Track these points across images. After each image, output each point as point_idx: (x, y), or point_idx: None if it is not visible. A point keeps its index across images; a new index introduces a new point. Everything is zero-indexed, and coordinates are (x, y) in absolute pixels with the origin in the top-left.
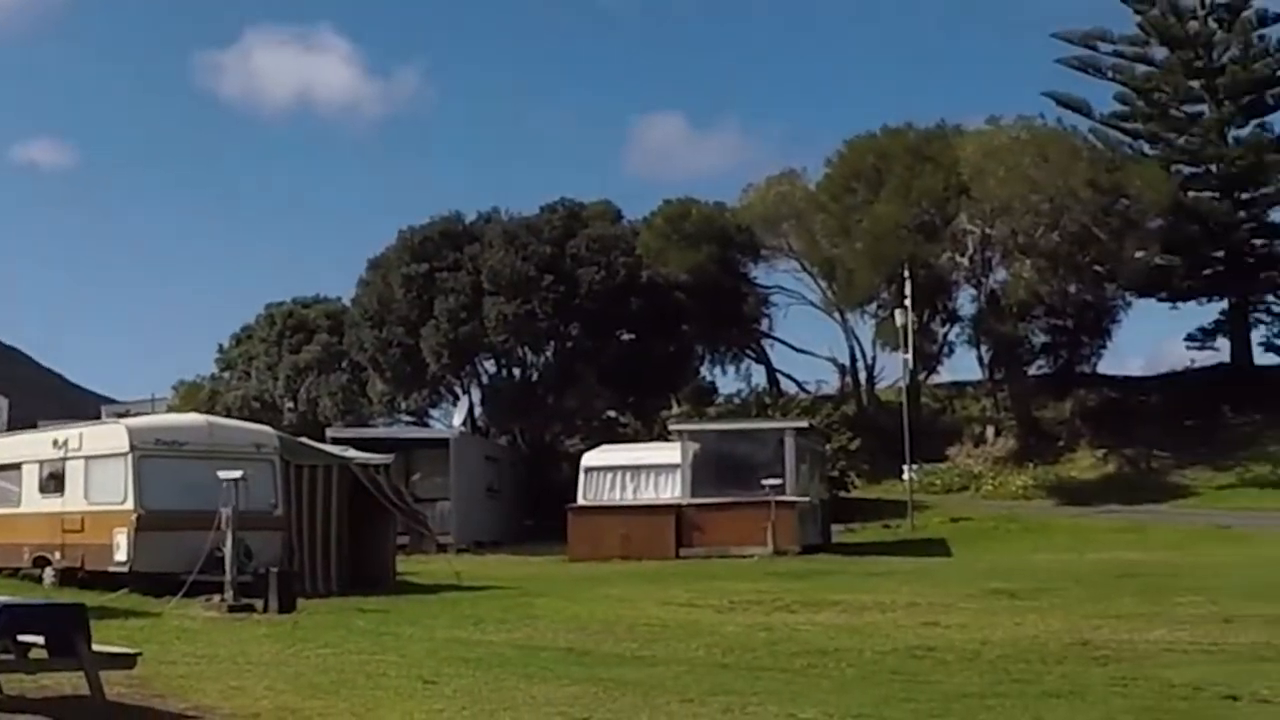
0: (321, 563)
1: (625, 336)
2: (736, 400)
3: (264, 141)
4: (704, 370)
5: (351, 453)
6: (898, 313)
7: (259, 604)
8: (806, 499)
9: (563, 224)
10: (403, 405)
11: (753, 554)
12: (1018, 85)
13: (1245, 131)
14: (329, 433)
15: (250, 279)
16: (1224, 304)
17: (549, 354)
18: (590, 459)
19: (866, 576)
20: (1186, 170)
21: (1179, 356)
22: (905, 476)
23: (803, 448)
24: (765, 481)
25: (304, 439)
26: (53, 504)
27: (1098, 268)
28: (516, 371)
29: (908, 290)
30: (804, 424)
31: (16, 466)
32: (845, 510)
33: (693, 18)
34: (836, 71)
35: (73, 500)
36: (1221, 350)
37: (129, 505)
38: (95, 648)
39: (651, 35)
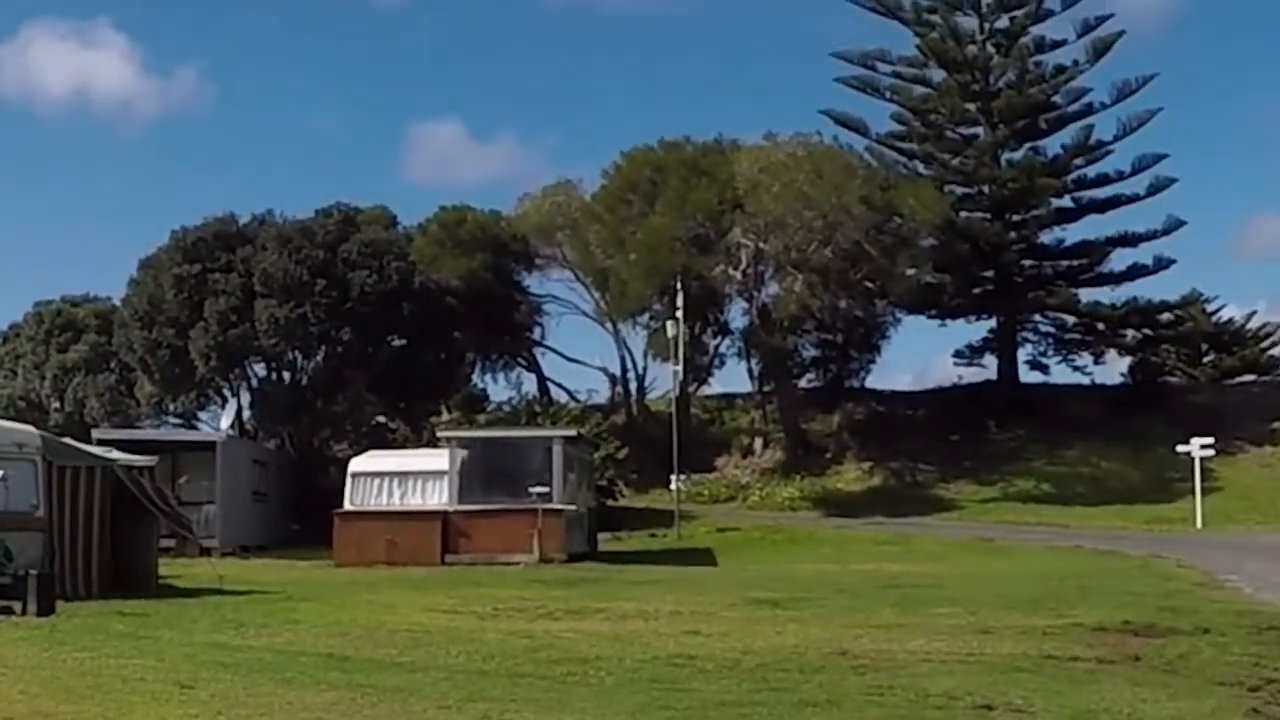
0: (83, 565)
1: (397, 342)
2: (507, 408)
3: (38, 137)
4: (476, 377)
5: (116, 454)
6: (669, 324)
7: (17, 607)
8: (573, 507)
9: (337, 228)
10: (171, 407)
11: (519, 561)
12: (796, 103)
13: (1018, 154)
14: (95, 434)
15: (18, 276)
16: (992, 322)
17: (320, 358)
18: (357, 464)
19: (631, 585)
20: (959, 191)
21: (947, 373)
22: (673, 486)
23: (570, 456)
24: (532, 489)
25: (68, 439)
26: None
27: (869, 284)
28: (287, 375)
29: (680, 302)
30: (572, 432)
31: None
32: (613, 519)
33: (472, 26)
34: (616, 84)
35: None
36: (988, 367)
37: None
38: None
39: (431, 42)
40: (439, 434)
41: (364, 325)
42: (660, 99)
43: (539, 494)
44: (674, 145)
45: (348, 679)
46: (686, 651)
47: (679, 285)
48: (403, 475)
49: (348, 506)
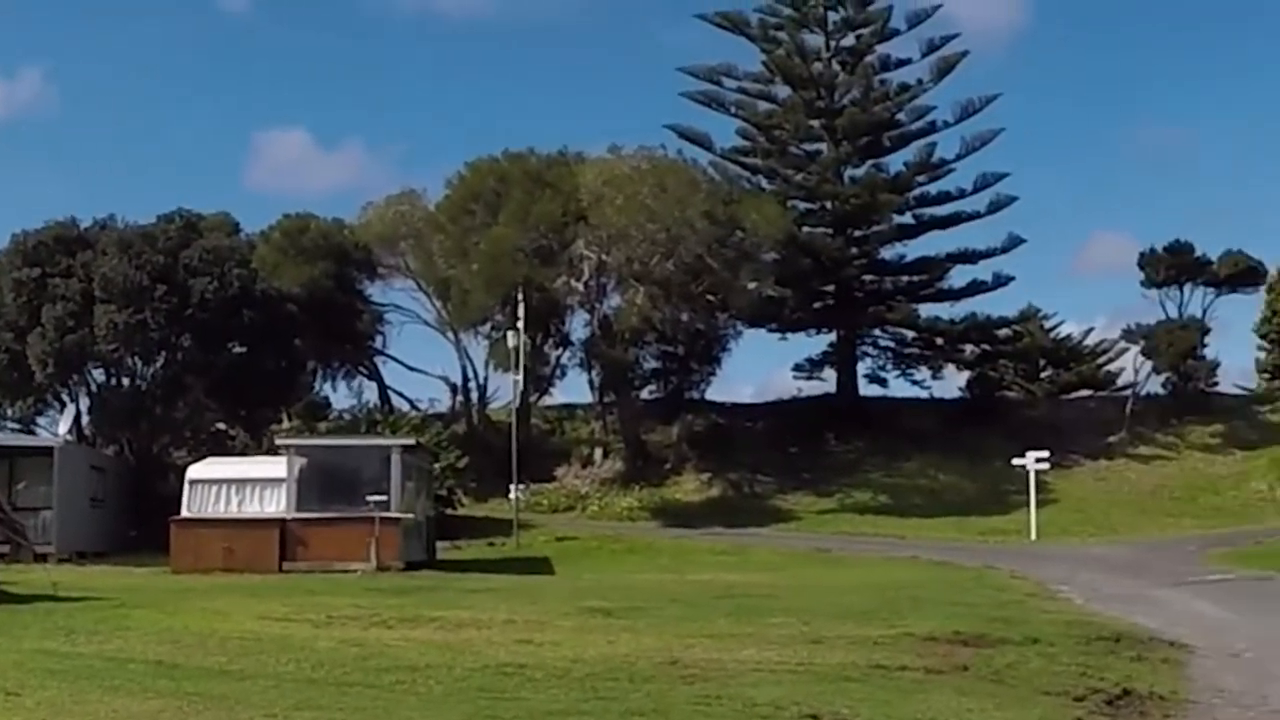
0: None
1: (237, 349)
2: (348, 416)
3: None
4: (318, 385)
5: None
6: (510, 334)
7: None
8: (411, 516)
9: (179, 234)
10: (9, 412)
11: (356, 569)
12: (642, 116)
13: (861, 171)
14: None
15: None
16: (832, 336)
17: (159, 364)
18: (195, 471)
19: (467, 593)
20: (802, 206)
21: (788, 385)
22: (512, 495)
23: (409, 465)
24: (370, 497)
25: None
26: None
27: (710, 297)
28: (126, 381)
29: (521, 312)
30: (410, 441)
31: None
32: (452, 528)
33: (320, 33)
34: (463, 94)
35: None
36: (828, 381)
37: None
38: None
39: (278, 49)
40: (277, 441)
41: (204, 332)
42: (506, 110)
43: (376, 502)
44: (518, 156)
45: (176, 687)
46: (517, 660)
47: (520, 296)
48: (241, 483)
49: (185, 513)
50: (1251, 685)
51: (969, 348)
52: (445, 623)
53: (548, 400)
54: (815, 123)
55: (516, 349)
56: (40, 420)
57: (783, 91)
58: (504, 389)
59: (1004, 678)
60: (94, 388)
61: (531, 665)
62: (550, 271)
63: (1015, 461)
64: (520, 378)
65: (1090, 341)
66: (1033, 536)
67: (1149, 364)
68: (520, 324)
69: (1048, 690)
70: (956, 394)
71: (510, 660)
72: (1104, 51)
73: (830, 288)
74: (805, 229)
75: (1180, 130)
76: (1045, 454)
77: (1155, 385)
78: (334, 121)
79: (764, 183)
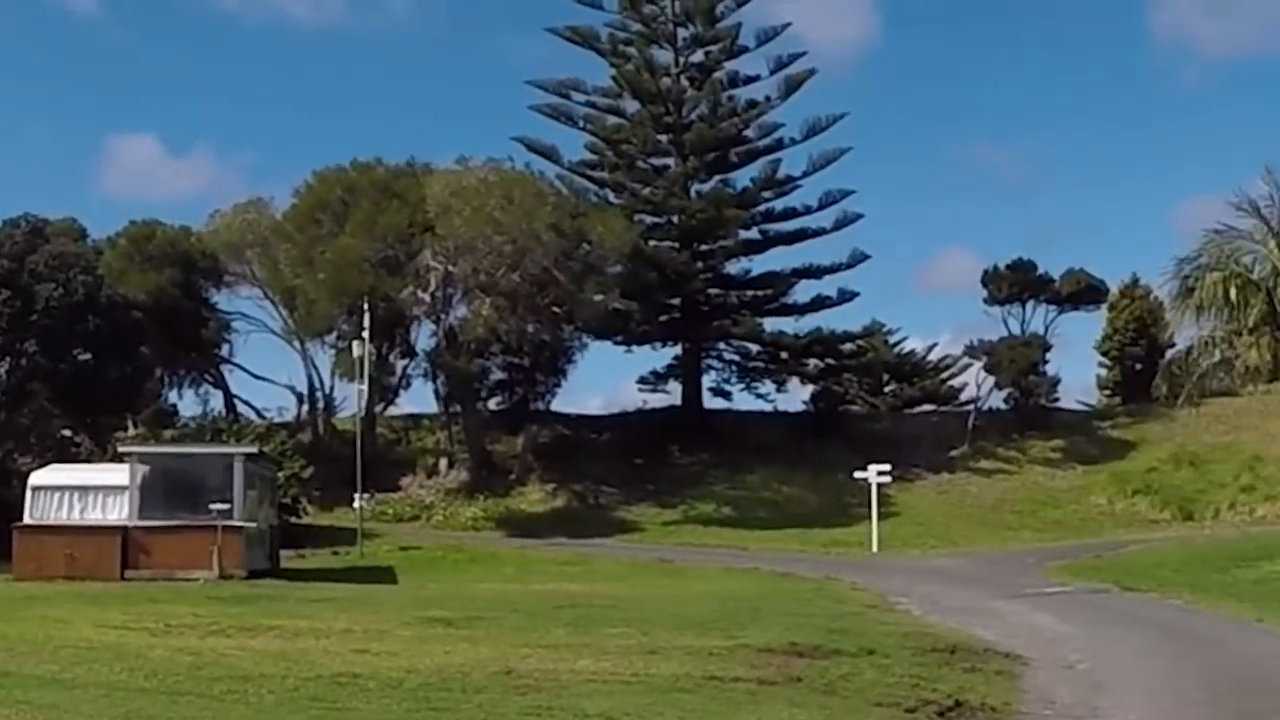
0: None
1: (83, 356)
2: (194, 424)
3: None
4: (164, 393)
5: None
6: (355, 344)
7: None
8: (255, 524)
9: (24, 239)
10: None
11: (199, 577)
12: (491, 129)
13: (708, 186)
14: None
15: None
16: (678, 349)
17: (3, 370)
18: (38, 478)
19: (308, 602)
20: (649, 220)
21: (635, 398)
22: (356, 505)
23: (252, 473)
24: (213, 505)
25: None
26: None
27: (556, 309)
28: None
29: (366, 322)
30: (254, 450)
31: None
32: (296, 537)
33: (171, 41)
34: (312, 104)
35: None
36: (673, 393)
37: None
38: None
39: (129, 55)
40: (120, 449)
41: (49, 338)
42: (356, 120)
43: (219, 510)
44: (366, 166)
45: (5, 695)
46: (352, 670)
47: (366, 306)
48: (84, 489)
49: (28, 520)
50: (1083, 697)
51: (813, 362)
52: (283, 632)
53: (393, 410)
54: (663, 138)
55: (361, 359)
56: None
57: (631, 106)
58: (350, 398)
59: (837, 689)
60: None
61: (366, 675)
62: (396, 282)
63: (858, 474)
64: (365, 387)
65: (933, 357)
66: (874, 549)
67: (991, 379)
68: (365, 334)
69: (880, 702)
70: (800, 407)
71: (345, 670)
72: (950, 72)
73: (676, 301)
74: (652, 243)
75: (1024, 150)
76: (887, 467)
77: (997, 400)
78: (184, 128)
79: (611, 196)
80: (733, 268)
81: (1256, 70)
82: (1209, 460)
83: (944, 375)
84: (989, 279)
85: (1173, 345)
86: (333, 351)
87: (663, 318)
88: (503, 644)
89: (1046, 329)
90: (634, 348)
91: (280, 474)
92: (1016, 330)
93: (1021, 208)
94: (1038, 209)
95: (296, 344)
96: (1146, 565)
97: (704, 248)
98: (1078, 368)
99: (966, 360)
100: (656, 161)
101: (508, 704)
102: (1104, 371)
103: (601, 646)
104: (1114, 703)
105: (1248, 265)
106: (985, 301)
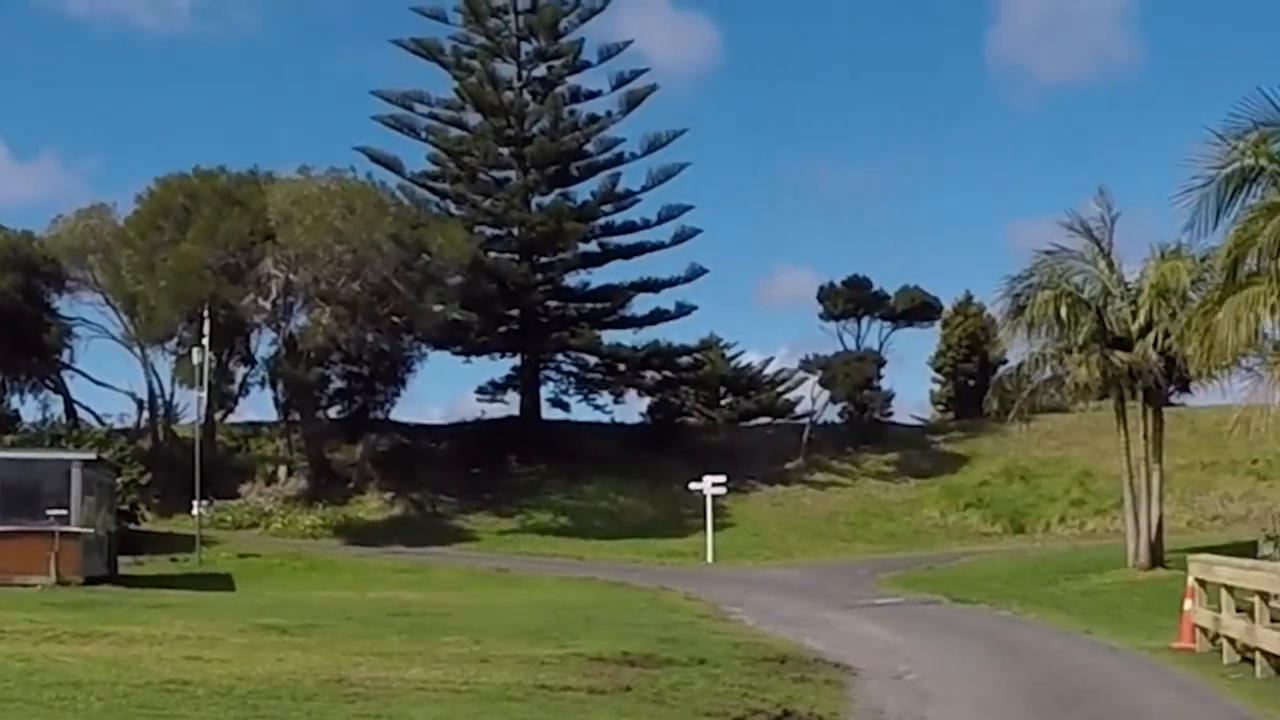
0: None
1: None
2: (34, 430)
3: None
4: (5, 398)
5: None
6: (196, 351)
7: None
8: (92, 530)
9: None
10: None
11: (35, 583)
12: (334, 138)
13: (548, 199)
14: None
15: None
16: (517, 360)
17: None
18: None
19: (144, 609)
20: (489, 232)
21: (474, 407)
22: (195, 511)
23: (90, 479)
24: (50, 511)
25: None
26: None
27: (396, 319)
28: None
29: (206, 330)
30: (92, 455)
31: None
32: (135, 543)
33: (14, 43)
34: (157, 110)
35: None
36: (511, 404)
37: None
38: None
39: None
40: None
41: None
42: (200, 128)
43: (56, 516)
44: (209, 174)
45: None
46: (183, 677)
47: (207, 313)
48: None
49: None
50: (911, 707)
51: (650, 374)
52: (118, 638)
53: (233, 418)
54: (505, 150)
55: (201, 365)
56: None
57: (474, 119)
58: (191, 405)
59: (666, 698)
60: None
61: (196, 682)
62: (238, 290)
63: (693, 485)
64: (205, 394)
65: (770, 371)
66: (709, 559)
67: (826, 394)
68: (206, 341)
69: (708, 712)
70: (638, 419)
71: (176, 677)
72: (789, 92)
73: (515, 313)
74: (492, 254)
75: (861, 170)
76: (723, 479)
77: (832, 414)
78: (29, 133)
79: (453, 207)
80: (572, 280)
81: (1088, 97)
82: (1040, 475)
83: (780, 389)
84: (825, 295)
85: (1004, 362)
86: (173, 358)
87: (502, 329)
88: (336, 652)
89: (881, 344)
90: (473, 358)
91: (119, 480)
92: (852, 345)
93: (859, 226)
94: (874, 227)
95: (137, 350)
96: (977, 577)
97: (543, 260)
98: (911, 383)
99: (802, 374)
100: (498, 174)
101: (337, 712)
102: (937, 387)
103: (434, 655)
104: (941, 713)
105: (1078, 284)
106: (821, 317)
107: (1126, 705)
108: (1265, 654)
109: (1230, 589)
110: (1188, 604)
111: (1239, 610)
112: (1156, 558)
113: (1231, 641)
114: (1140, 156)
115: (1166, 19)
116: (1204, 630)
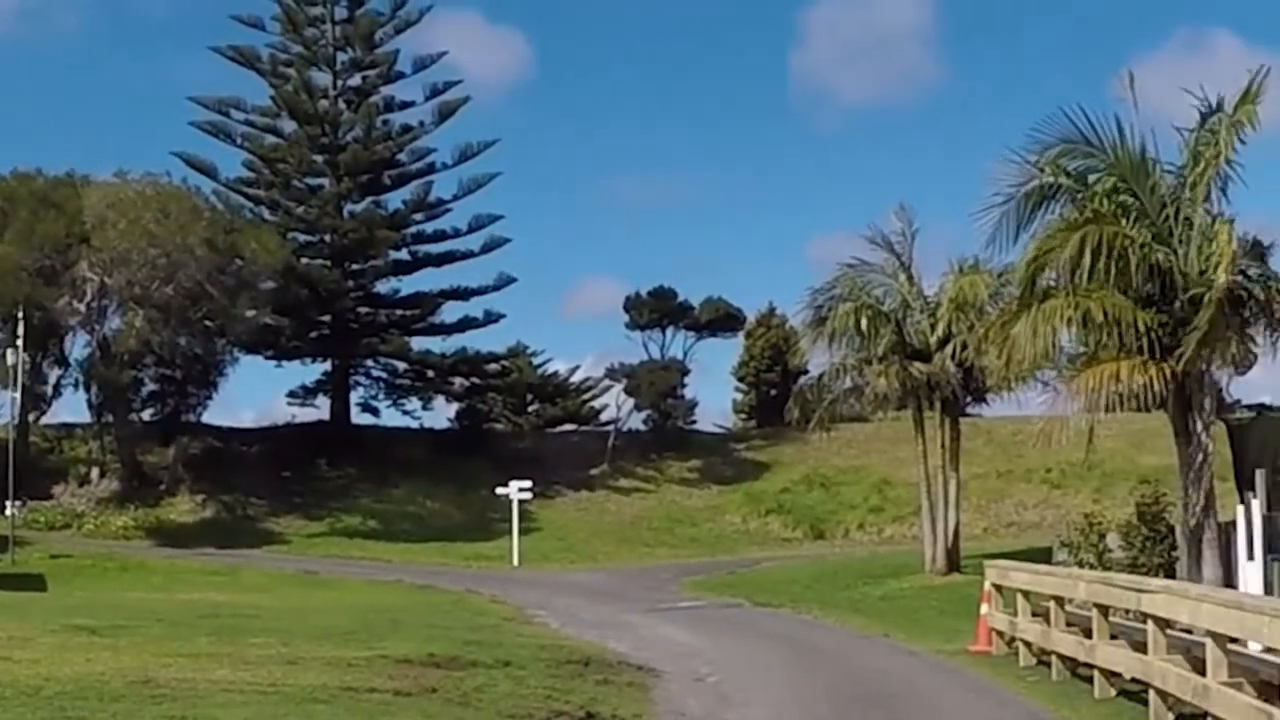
0: None
1: None
2: None
3: None
4: None
5: None
6: (9, 353)
7: None
8: None
9: None
10: None
11: None
12: (152, 142)
13: (361, 207)
14: None
15: None
16: (328, 365)
17: None
18: None
19: None
20: (302, 238)
21: (285, 411)
22: (8, 512)
23: None
24: None
25: None
26: None
27: (209, 323)
28: None
29: (20, 331)
30: None
31: None
32: None
33: None
34: None
35: None
36: (322, 408)
37: None
38: None
39: None
40: None
41: None
42: (17, 130)
43: None
44: (26, 176)
45: None
46: None
47: (21, 315)
48: None
49: None
50: (713, 709)
51: (459, 381)
52: None
53: (47, 419)
54: (319, 158)
55: (15, 367)
56: None
57: (289, 126)
58: (4, 406)
59: (471, 701)
60: None
61: (5, 683)
62: (52, 291)
63: (500, 490)
64: (18, 396)
65: (576, 379)
66: (515, 563)
67: (631, 401)
68: (20, 342)
69: (512, 714)
70: (446, 425)
71: None
72: (599, 106)
73: (326, 318)
74: (304, 260)
75: (669, 183)
76: (529, 484)
77: (637, 422)
78: None
79: (267, 214)
80: (383, 287)
81: (890, 117)
82: (840, 482)
83: (586, 396)
84: (631, 305)
85: (806, 372)
86: None
87: (313, 334)
88: (144, 653)
89: (685, 354)
90: (284, 363)
91: None
92: (657, 355)
93: (665, 239)
94: (681, 240)
95: None
96: (778, 582)
97: (355, 267)
98: (715, 392)
99: (608, 382)
100: (312, 181)
101: (144, 713)
102: (740, 396)
103: (242, 656)
104: (741, 715)
105: (879, 297)
106: (627, 326)
107: (925, 706)
108: (1061, 656)
109: (1026, 594)
110: (984, 608)
111: (1035, 614)
112: (953, 563)
113: (1028, 644)
114: (941, 174)
115: (968, 41)
116: (1001, 634)
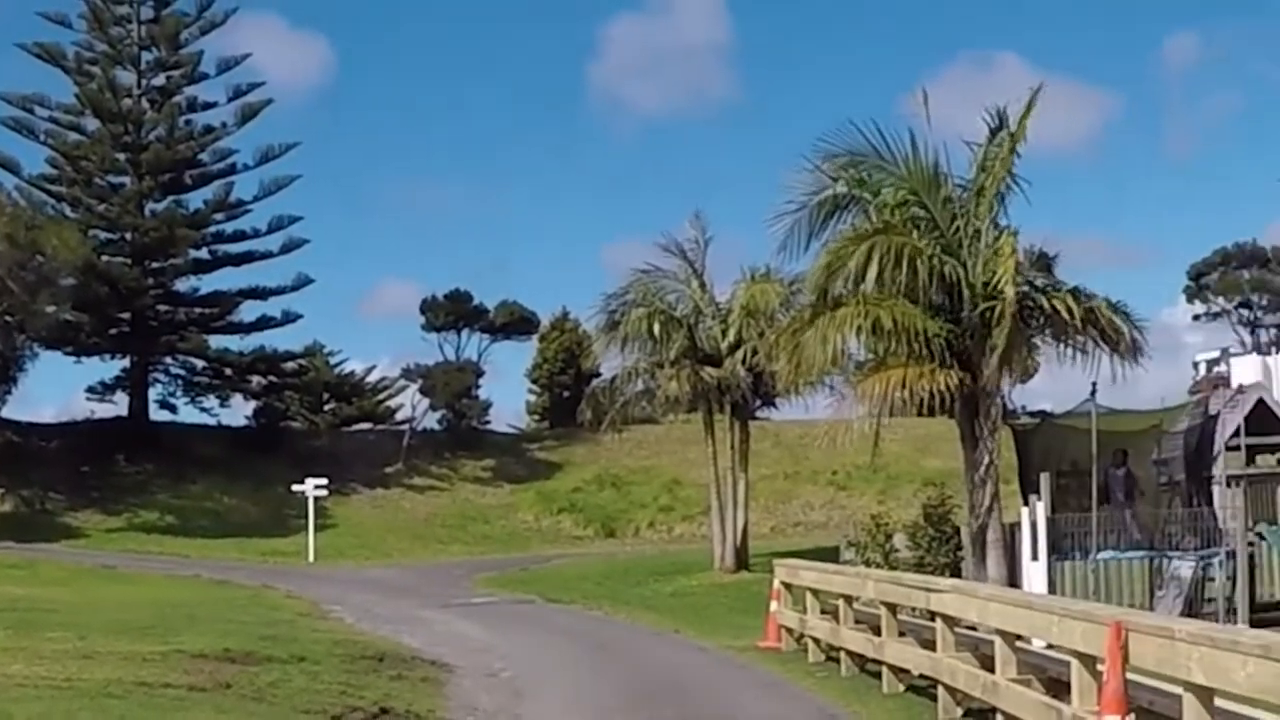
0: None
1: None
2: None
3: None
4: None
5: None
6: None
7: None
8: None
9: None
10: None
11: None
12: None
13: (162, 206)
14: None
15: None
16: (127, 362)
17: None
18: None
19: None
20: (104, 236)
21: (85, 407)
22: None
23: None
24: None
25: None
26: None
27: (9, 318)
28: None
29: None
30: None
31: None
32: None
33: None
34: None
35: None
36: (121, 405)
37: None
38: None
39: None
40: None
41: None
42: None
43: None
44: None
45: None
46: None
47: None
48: None
49: None
50: (505, 704)
51: (256, 379)
52: None
53: None
54: (121, 156)
55: None
56: None
57: (92, 124)
58: None
59: (265, 696)
60: None
61: None
62: None
63: (296, 487)
64: None
65: (372, 378)
66: (311, 559)
67: (426, 401)
68: None
69: (307, 709)
70: (244, 422)
71: None
72: (398, 110)
73: (126, 315)
74: (105, 258)
75: (467, 189)
76: (325, 481)
77: (432, 421)
78: None
79: (69, 210)
80: (182, 285)
81: (685, 128)
82: (631, 482)
83: (381, 396)
84: (427, 307)
85: (598, 375)
86: None
87: (113, 331)
88: None
89: (480, 356)
90: (84, 359)
91: None
92: (452, 356)
93: (462, 243)
94: (476, 245)
95: None
96: (570, 579)
97: (155, 265)
98: (509, 393)
99: (404, 382)
100: (114, 179)
101: None
102: (533, 397)
103: (37, 651)
104: (535, 709)
105: (672, 303)
106: (424, 328)
107: (716, 701)
108: (850, 653)
109: (816, 592)
110: (774, 605)
111: (824, 612)
112: (742, 561)
113: (817, 641)
114: (734, 184)
115: (763, 57)
116: (790, 630)
